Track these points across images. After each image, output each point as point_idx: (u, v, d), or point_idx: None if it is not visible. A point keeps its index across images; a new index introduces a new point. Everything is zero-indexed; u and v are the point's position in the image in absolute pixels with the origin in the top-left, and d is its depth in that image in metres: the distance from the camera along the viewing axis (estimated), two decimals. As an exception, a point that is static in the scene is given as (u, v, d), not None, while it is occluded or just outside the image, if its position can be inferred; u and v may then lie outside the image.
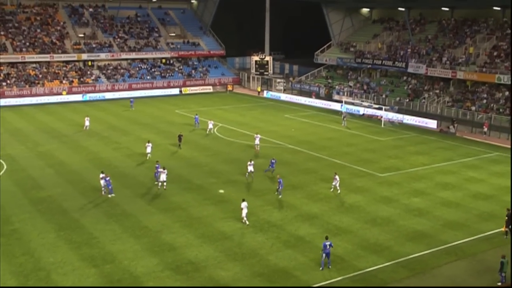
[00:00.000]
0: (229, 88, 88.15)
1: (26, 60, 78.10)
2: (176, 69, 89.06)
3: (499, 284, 25.02)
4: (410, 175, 41.84)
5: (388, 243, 29.38)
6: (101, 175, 35.90)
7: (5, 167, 41.96)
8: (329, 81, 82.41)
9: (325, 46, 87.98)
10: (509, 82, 59.66)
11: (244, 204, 31.39)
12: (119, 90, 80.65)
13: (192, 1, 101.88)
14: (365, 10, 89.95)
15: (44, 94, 75.00)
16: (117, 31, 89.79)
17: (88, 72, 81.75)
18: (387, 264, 26.93)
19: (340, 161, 45.36)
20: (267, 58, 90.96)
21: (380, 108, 64.08)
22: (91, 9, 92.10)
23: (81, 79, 79.70)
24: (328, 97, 76.54)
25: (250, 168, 39.46)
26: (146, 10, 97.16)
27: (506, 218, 30.61)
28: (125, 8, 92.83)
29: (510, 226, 30.41)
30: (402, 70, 73.21)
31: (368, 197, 36.64)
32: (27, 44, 79.81)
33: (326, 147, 50.20)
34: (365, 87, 75.85)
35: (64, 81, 78.15)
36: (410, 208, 34.68)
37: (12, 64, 77.71)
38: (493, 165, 45.51)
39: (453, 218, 33.05)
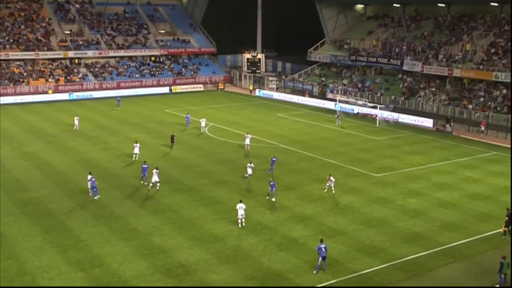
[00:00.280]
0: (220, 86, 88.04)
1: (10, 57, 77.65)
2: (166, 67, 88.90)
3: (497, 286, 25.14)
4: (406, 175, 41.98)
5: (383, 244, 29.45)
6: (89, 177, 35.77)
7: (-11, 168, 41.73)
8: (323, 79, 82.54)
9: (319, 43, 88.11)
10: (507, 80, 59.97)
11: (239, 206, 31.14)
12: (107, 88, 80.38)
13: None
14: (359, 7, 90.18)
15: (29, 93, 74.66)
16: (105, 28, 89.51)
17: (75, 70, 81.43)
18: (382, 266, 26.99)
19: (334, 161, 45.43)
20: (259, 55, 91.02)
21: (375, 107, 64.21)
22: (77, 5, 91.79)
23: (68, 77, 79.38)
24: (322, 96, 76.69)
25: (249, 171, 39.32)
26: (134, 6, 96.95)
27: (507, 218, 30.73)
28: (113, 4, 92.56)
29: (509, 227, 30.56)
30: (397, 68, 73.47)
31: (363, 198, 36.72)
32: (11, 41, 79.35)
33: (320, 147, 50.27)
34: (359, 85, 76.05)
35: (50, 80, 77.82)
36: (406, 209, 34.78)
37: (-5, 62, 77.39)
38: (490, 164, 45.72)
39: (450, 219, 33.18)
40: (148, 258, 27.26)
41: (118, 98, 70.38)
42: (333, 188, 37.01)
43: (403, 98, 68.55)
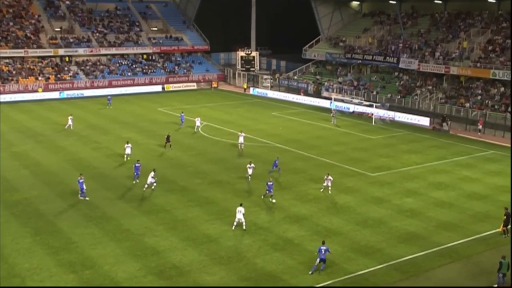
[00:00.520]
0: (214, 85, 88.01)
1: (-1, 55, 77.43)
2: (158, 65, 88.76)
3: (495, 286, 25.26)
4: (402, 175, 42.09)
5: (379, 245, 29.52)
6: (78, 178, 35.63)
7: (-23, 168, 41.57)
8: (318, 77, 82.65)
9: (314, 41, 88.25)
10: (505, 78, 60.25)
11: (238, 209, 30.87)
12: (98, 87, 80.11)
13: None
14: (355, 3, 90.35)
15: (19, 92, 74.34)
16: (96, 25, 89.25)
17: (66, 68, 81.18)
18: (379, 267, 27.05)
19: (330, 160, 45.50)
20: (253, 53, 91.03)
21: (370, 105, 64.35)
22: (67, 2, 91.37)
23: (58, 75, 79.11)
24: (317, 94, 76.78)
25: (250, 171, 39.20)
26: (126, 3, 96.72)
27: (505, 217, 30.86)
28: (104, 1, 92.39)
29: (508, 226, 30.68)
30: (393, 66, 73.66)
31: (358, 198, 36.79)
32: (-1, 38, 79.13)
33: (315, 146, 50.34)
34: (355, 83, 76.19)
35: (40, 78, 77.54)
36: (402, 209, 34.87)
37: (-17, 60, 77.06)
38: (488, 163, 45.90)
39: (447, 219, 33.29)
40: (140, 259, 27.22)
41: (109, 97, 70.09)
42: (329, 188, 37.04)
43: (399, 97, 68.73)
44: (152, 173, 37.00)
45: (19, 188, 37.36)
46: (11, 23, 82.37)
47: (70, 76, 79.95)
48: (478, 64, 63.96)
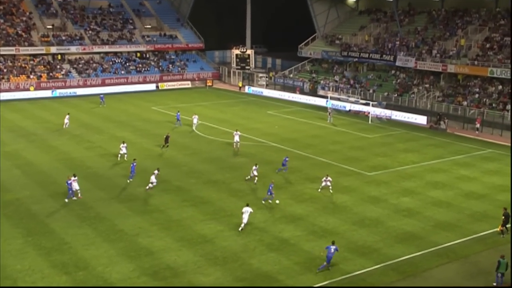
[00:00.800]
0: (209, 83, 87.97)
1: (-11, 53, 77.20)
2: (152, 63, 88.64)
3: (494, 284, 25.38)
4: (399, 174, 42.17)
5: (376, 245, 29.58)
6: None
7: (-32, 168, 41.42)
8: (314, 75, 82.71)
9: (309, 38, 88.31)
10: (503, 76, 60.42)
11: (245, 209, 30.83)
12: (91, 85, 79.97)
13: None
14: (351, 1, 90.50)
15: (10, 90, 74.10)
16: (89, 22, 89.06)
17: (58, 67, 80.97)
18: (376, 267, 27.10)
19: (326, 160, 45.55)
20: (249, 51, 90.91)
21: (367, 104, 64.45)
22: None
23: (50, 74, 78.91)
24: (313, 93, 76.82)
25: (255, 173, 38.89)
26: (119, 0, 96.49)
27: (503, 217, 30.95)
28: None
29: (508, 225, 30.77)
30: (390, 64, 73.74)
31: (355, 197, 36.85)
32: (-10, 36, 78.87)
33: (311, 145, 50.38)
34: (351, 81, 76.26)
35: (31, 76, 77.30)
36: (399, 209, 34.93)
37: (-26, 58, 76.82)
38: (486, 162, 46.03)
39: (444, 219, 33.37)
40: (134, 260, 27.18)
41: (101, 96, 69.87)
42: (330, 188, 36.99)
43: (396, 95, 68.84)
44: (156, 171, 37.06)
45: (10, 188, 37.23)
46: (1, 20, 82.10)
47: (63, 75, 79.75)
48: (476, 62, 64.12)
